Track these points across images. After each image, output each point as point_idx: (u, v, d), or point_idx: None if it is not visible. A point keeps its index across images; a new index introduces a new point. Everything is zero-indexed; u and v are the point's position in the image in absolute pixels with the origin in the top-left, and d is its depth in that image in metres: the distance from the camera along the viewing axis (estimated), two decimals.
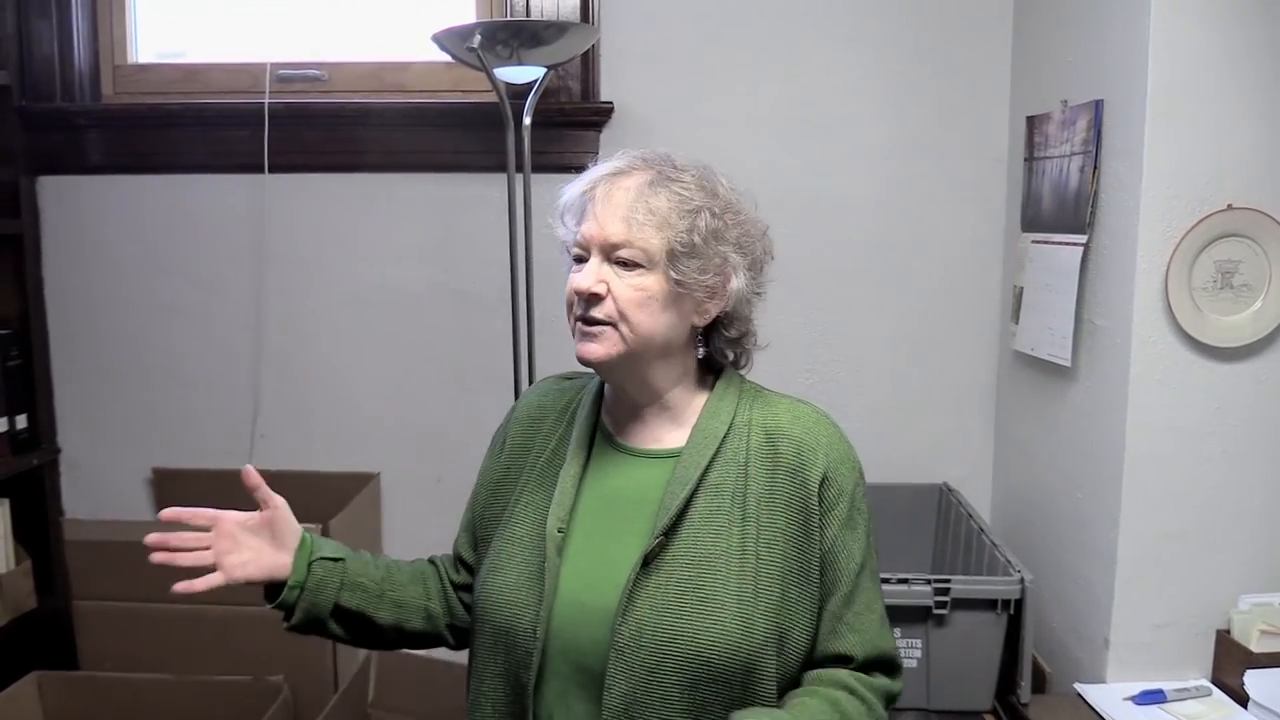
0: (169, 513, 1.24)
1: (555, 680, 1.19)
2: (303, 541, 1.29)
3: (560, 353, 2.20)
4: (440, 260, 2.31)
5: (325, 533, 2.00)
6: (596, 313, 1.19)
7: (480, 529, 1.34)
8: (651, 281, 1.18)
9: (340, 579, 1.29)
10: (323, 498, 2.21)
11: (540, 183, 2.06)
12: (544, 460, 1.30)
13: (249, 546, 1.26)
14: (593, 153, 2.22)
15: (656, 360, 1.23)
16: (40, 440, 2.31)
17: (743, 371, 1.32)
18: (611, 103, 2.23)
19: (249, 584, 1.26)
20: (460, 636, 1.37)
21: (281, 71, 2.29)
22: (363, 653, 2.15)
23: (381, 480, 2.33)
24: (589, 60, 2.22)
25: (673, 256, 1.17)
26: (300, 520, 1.99)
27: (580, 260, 1.21)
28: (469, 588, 1.35)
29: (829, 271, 2.28)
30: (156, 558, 1.22)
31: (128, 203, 2.34)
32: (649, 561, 1.16)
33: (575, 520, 1.23)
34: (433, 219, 2.30)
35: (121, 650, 2.09)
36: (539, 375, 2.07)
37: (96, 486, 2.40)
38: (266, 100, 2.22)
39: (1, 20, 2.20)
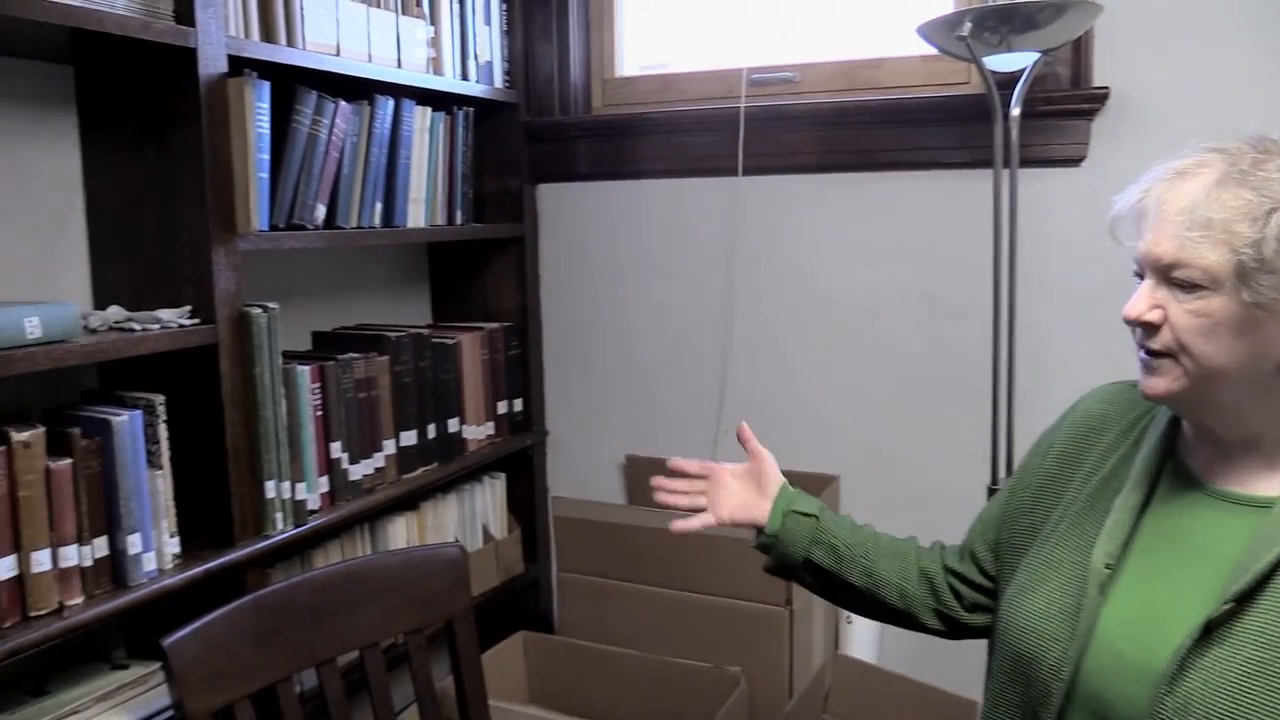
0: (675, 462, 1.43)
1: None
2: (781, 491, 1.38)
3: (1044, 363, 2.06)
4: (911, 261, 2.22)
5: None
6: (1153, 343, 1.03)
7: (1007, 532, 1.25)
8: (1217, 305, 0.99)
9: (811, 535, 1.33)
10: None
11: (1025, 178, 1.91)
12: (1098, 479, 1.16)
13: (736, 493, 1.39)
14: (1083, 143, 2.03)
15: (1240, 394, 1.03)
16: (532, 423, 2.55)
17: None
18: (1107, 87, 2.01)
19: (735, 524, 1.38)
20: (955, 628, 1.32)
21: (755, 75, 2.33)
22: (819, 657, 2.15)
23: (840, 483, 2.31)
24: (1080, 42, 2.02)
25: (1242, 274, 0.97)
26: None
27: (1141, 277, 1.06)
28: (969, 581, 1.30)
29: None
30: (660, 498, 1.41)
31: (611, 206, 2.50)
32: (1212, 629, 0.98)
33: (1127, 558, 1.08)
34: (904, 218, 2.22)
35: (592, 621, 2.25)
36: (1019, 387, 1.92)
37: (576, 467, 2.60)
38: (742, 104, 2.27)
39: (512, 45, 2.45)
